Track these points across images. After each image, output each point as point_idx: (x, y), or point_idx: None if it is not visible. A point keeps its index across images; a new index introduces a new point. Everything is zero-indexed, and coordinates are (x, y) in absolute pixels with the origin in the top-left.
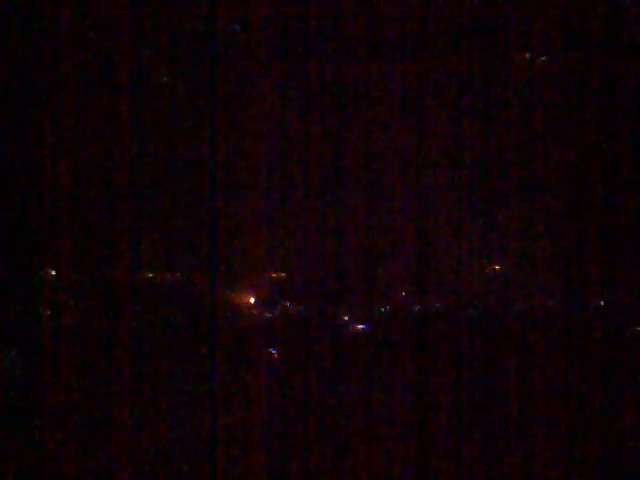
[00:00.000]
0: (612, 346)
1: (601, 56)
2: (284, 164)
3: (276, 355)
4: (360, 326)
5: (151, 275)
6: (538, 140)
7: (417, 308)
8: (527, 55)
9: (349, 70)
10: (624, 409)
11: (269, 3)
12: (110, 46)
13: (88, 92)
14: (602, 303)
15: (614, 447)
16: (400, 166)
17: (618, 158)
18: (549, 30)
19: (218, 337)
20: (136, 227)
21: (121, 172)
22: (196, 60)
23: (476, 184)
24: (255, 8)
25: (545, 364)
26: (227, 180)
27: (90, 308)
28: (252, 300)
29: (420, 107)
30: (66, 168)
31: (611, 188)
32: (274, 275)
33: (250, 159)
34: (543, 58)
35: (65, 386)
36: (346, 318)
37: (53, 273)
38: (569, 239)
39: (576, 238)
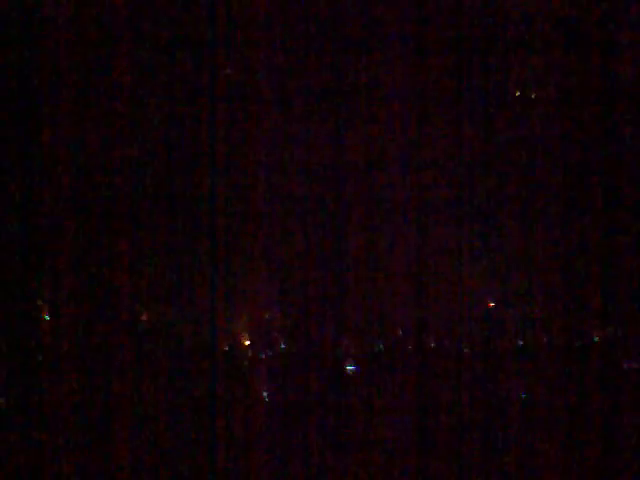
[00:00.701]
0: (609, 380)
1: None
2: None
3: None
4: (350, 368)
5: (146, 318)
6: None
7: (410, 348)
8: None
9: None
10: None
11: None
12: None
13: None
14: (596, 339)
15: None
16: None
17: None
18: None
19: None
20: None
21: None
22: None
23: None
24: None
25: (543, 399)
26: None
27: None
28: (247, 342)
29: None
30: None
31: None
32: (268, 316)
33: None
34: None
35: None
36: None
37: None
38: (566, 270)
39: (573, 269)
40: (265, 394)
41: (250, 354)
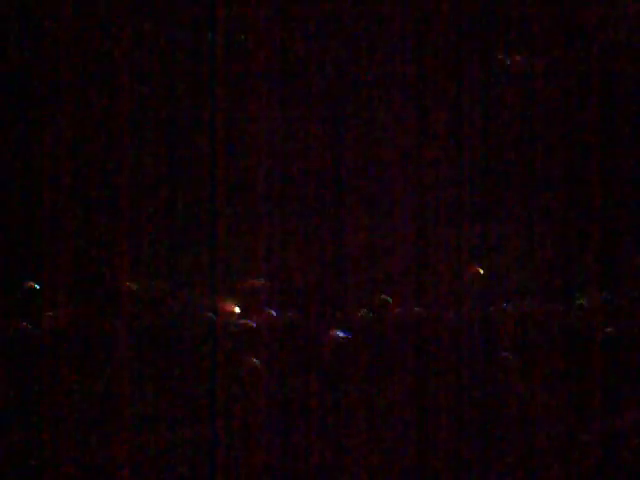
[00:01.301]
0: (593, 347)
1: (600, 55)
2: (283, 165)
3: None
4: (341, 333)
5: (135, 285)
6: (538, 140)
7: (398, 311)
8: (527, 55)
9: (349, 70)
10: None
11: (269, 3)
12: (110, 45)
13: (88, 93)
14: (583, 303)
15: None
16: (400, 166)
17: (617, 159)
18: (549, 30)
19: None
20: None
21: (120, 175)
22: (196, 60)
23: (475, 184)
24: (255, 9)
25: (530, 366)
26: (226, 181)
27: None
28: (236, 309)
29: (420, 107)
30: (65, 170)
31: (607, 191)
32: (256, 282)
33: (250, 160)
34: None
35: (65, 386)
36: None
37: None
38: (552, 239)
39: (558, 237)
40: (256, 361)
41: (239, 321)
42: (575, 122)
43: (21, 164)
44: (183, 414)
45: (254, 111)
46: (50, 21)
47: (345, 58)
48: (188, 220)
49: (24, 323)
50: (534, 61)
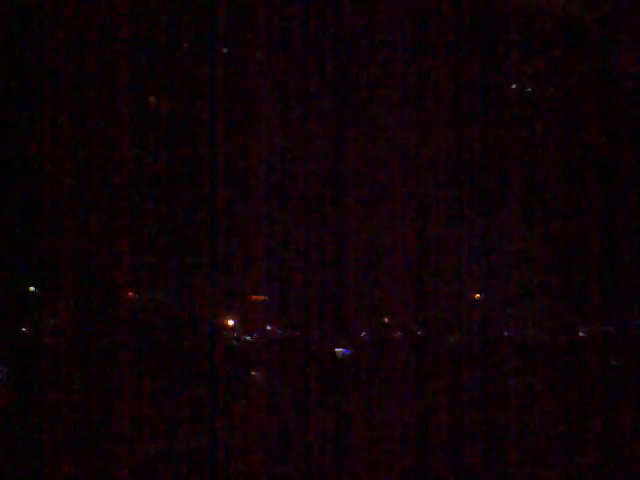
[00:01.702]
0: (592, 375)
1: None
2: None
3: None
4: (340, 350)
5: (136, 295)
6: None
7: (399, 334)
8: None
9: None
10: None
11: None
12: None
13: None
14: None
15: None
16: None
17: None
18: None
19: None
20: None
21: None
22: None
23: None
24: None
25: (526, 391)
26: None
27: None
28: (231, 322)
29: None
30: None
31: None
32: (255, 298)
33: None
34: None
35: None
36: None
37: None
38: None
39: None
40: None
41: (236, 335)
42: (575, 122)
43: (20, 166)
44: (179, 422)
45: (255, 114)
46: (50, 21)
47: (345, 58)
48: (188, 229)
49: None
50: (535, 61)
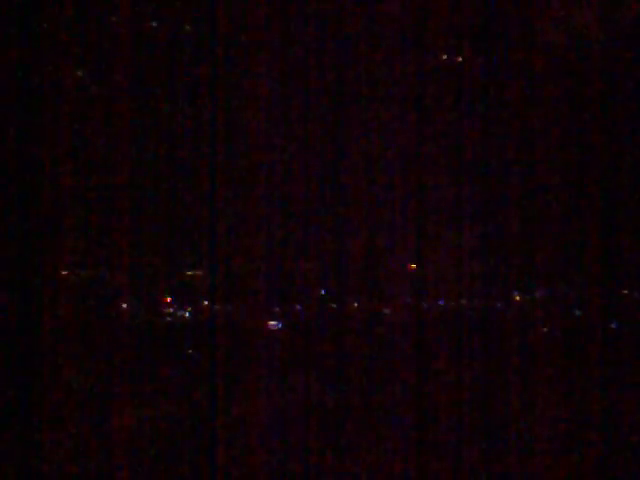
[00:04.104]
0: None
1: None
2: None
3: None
4: (274, 323)
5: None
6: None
7: (334, 306)
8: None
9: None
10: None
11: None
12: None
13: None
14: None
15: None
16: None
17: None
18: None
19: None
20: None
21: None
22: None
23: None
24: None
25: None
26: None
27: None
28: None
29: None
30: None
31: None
32: (190, 273)
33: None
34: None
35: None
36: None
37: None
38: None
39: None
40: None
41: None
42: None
43: None
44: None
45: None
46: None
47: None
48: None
49: None
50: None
